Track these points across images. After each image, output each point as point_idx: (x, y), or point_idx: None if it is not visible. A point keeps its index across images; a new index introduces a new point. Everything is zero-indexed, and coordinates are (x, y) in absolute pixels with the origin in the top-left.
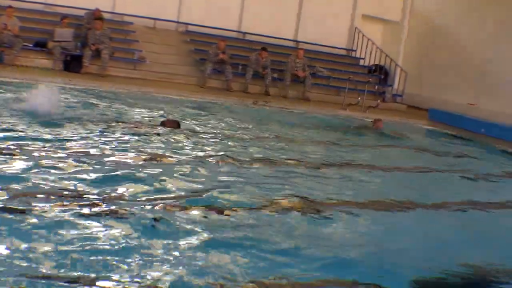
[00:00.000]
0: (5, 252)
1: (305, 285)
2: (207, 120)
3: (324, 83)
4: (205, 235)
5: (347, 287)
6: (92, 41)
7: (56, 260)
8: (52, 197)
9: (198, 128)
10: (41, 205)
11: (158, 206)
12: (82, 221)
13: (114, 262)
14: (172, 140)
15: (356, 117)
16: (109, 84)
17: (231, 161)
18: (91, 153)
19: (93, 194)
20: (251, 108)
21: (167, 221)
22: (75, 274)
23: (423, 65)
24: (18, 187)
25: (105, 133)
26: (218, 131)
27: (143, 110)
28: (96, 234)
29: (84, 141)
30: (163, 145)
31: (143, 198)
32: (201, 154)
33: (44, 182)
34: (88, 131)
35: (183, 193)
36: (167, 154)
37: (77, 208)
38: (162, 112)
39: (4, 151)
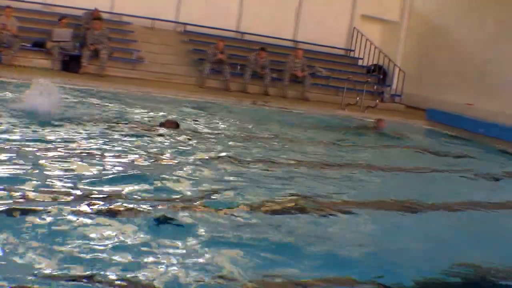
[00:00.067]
0: (9, 253)
1: (308, 284)
2: (206, 120)
3: (323, 83)
4: (208, 234)
5: (349, 286)
6: (91, 41)
7: (62, 259)
8: (58, 197)
9: (198, 129)
10: (48, 205)
11: (162, 206)
12: (86, 221)
13: (118, 261)
14: (173, 141)
15: (356, 117)
16: (108, 84)
17: (232, 161)
18: (92, 153)
19: (97, 194)
20: (250, 108)
21: (172, 220)
22: (81, 273)
23: (422, 65)
24: (24, 187)
25: (105, 134)
26: (218, 131)
27: (142, 111)
28: (101, 233)
29: (85, 142)
30: (164, 146)
31: (148, 198)
32: (202, 154)
33: (47, 183)
34: (88, 132)
35: (186, 193)
36: (168, 155)
37: (81, 208)
38: (161, 112)
39: (6, 152)
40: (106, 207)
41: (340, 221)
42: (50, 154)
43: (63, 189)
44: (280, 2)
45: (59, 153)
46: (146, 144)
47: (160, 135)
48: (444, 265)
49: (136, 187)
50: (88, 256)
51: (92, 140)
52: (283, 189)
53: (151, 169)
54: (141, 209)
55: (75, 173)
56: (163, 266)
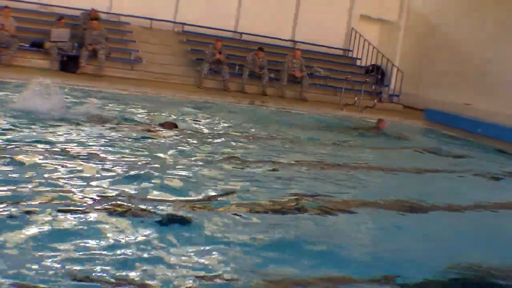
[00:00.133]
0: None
1: (311, 282)
2: (206, 121)
3: (321, 83)
4: (212, 234)
5: (351, 285)
6: (89, 41)
7: (65, 260)
8: (62, 198)
9: (197, 129)
10: (51, 206)
11: (166, 206)
12: (91, 221)
13: (123, 261)
14: (173, 141)
15: (354, 117)
16: (106, 85)
17: (234, 161)
18: (94, 154)
19: (100, 194)
20: (250, 108)
21: (176, 220)
22: (85, 273)
23: (421, 65)
24: (27, 188)
25: (104, 134)
26: (218, 132)
27: (141, 111)
28: (104, 232)
29: (85, 142)
30: (164, 146)
31: (150, 198)
32: (203, 154)
33: (48, 183)
34: (88, 132)
35: (189, 193)
36: (168, 155)
37: (85, 208)
38: (160, 113)
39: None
40: (109, 207)
41: (344, 221)
42: (51, 154)
43: (66, 190)
44: (278, 2)
45: (60, 153)
46: (146, 144)
47: (160, 135)
48: (446, 265)
49: (137, 188)
50: (93, 256)
51: (91, 141)
52: (286, 189)
53: (153, 169)
54: (143, 209)
55: (78, 173)
56: (168, 265)
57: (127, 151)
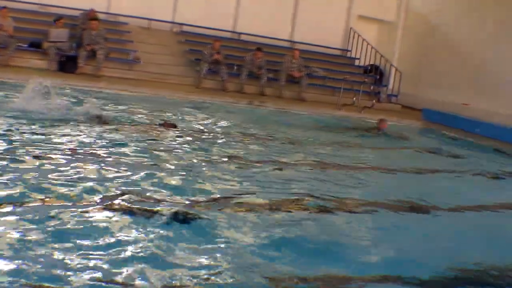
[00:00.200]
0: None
1: (315, 280)
2: (205, 121)
3: (320, 84)
4: (220, 233)
5: (354, 283)
6: (87, 42)
7: (85, 262)
8: (68, 198)
9: (197, 129)
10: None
11: (172, 205)
12: (97, 221)
13: (138, 263)
14: (174, 141)
15: (353, 117)
16: (105, 85)
17: (235, 161)
18: (94, 154)
19: (103, 193)
20: (248, 109)
21: (183, 220)
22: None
23: (419, 65)
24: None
25: (103, 135)
26: (218, 131)
27: (140, 111)
28: (113, 232)
29: (85, 142)
30: (165, 146)
31: (159, 198)
32: (204, 154)
33: (52, 184)
34: (88, 132)
35: (192, 193)
36: (169, 155)
37: (90, 208)
38: (159, 112)
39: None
40: (110, 207)
41: (348, 220)
42: (53, 154)
43: (67, 190)
44: (277, 2)
45: (60, 154)
46: (146, 144)
47: (160, 135)
48: (447, 264)
49: (138, 187)
50: (103, 257)
51: (91, 141)
52: (289, 188)
53: (154, 169)
54: (147, 209)
55: (78, 173)
56: (174, 264)
57: (127, 151)
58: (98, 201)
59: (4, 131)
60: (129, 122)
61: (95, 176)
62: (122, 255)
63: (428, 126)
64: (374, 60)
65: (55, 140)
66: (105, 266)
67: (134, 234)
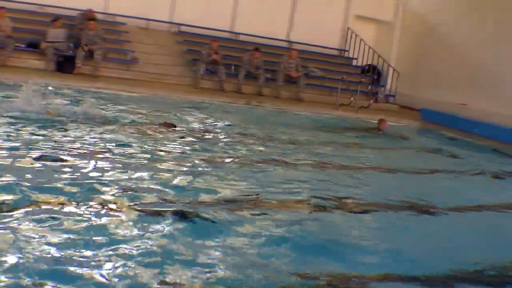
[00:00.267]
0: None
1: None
2: (204, 121)
3: (317, 84)
4: (224, 233)
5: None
6: (85, 42)
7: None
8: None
9: (197, 129)
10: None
11: (175, 206)
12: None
13: (142, 262)
14: (175, 141)
15: (357, 117)
16: (103, 85)
17: (238, 161)
18: (99, 154)
19: (104, 194)
20: (246, 109)
21: (189, 220)
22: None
23: (418, 65)
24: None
25: (103, 135)
26: (218, 131)
27: (138, 111)
28: (118, 233)
29: (86, 143)
30: (167, 146)
31: (166, 198)
32: (204, 154)
33: (59, 185)
34: (88, 133)
35: (195, 194)
36: (171, 155)
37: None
38: (158, 112)
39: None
40: (111, 206)
41: (349, 220)
42: (56, 155)
43: (68, 190)
44: (274, 2)
45: (72, 155)
46: (147, 144)
47: (160, 135)
48: (448, 263)
49: (140, 187)
50: (108, 257)
51: (92, 141)
52: (292, 188)
53: (156, 169)
54: (151, 210)
55: (80, 174)
56: (180, 264)
57: (128, 151)
58: (101, 201)
59: (4, 131)
60: (128, 122)
61: (98, 176)
62: (126, 254)
63: (426, 126)
64: (372, 60)
65: (54, 141)
66: (110, 266)
67: (138, 233)
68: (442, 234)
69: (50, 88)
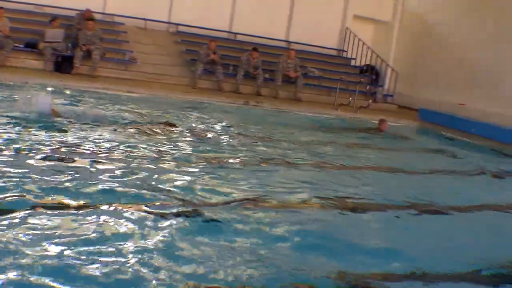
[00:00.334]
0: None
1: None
2: (204, 121)
3: (316, 84)
4: (229, 233)
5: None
6: (83, 42)
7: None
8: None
9: (197, 129)
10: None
11: (179, 206)
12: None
13: (149, 262)
14: (177, 141)
15: (356, 117)
16: (102, 85)
17: (242, 162)
18: (95, 153)
19: (104, 194)
20: (245, 109)
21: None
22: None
23: (416, 65)
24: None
25: (103, 135)
26: (219, 131)
27: (140, 111)
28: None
29: (87, 143)
30: (169, 146)
31: (171, 198)
32: (205, 154)
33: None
34: (89, 133)
35: (199, 194)
36: (173, 155)
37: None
38: (158, 112)
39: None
40: (124, 208)
41: (355, 220)
42: (59, 155)
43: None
44: (273, 2)
45: (70, 154)
46: (149, 143)
47: (161, 135)
48: (451, 262)
49: (144, 187)
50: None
51: (93, 141)
52: (296, 188)
53: (161, 169)
54: (155, 210)
55: (90, 175)
56: (195, 264)
57: (129, 150)
58: (109, 202)
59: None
60: (128, 122)
61: (99, 177)
62: (134, 254)
63: (425, 126)
64: (370, 60)
65: (55, 141)
66: (115, 266)
67: (139, 233)
68: (443, 234)
69: (51, 88)
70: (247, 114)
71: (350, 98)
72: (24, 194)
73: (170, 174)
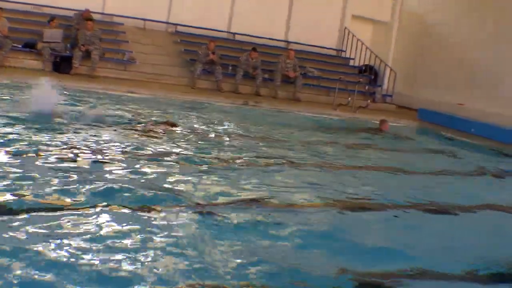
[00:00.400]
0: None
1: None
2: (204, 120)
3: (315, 84)
4: (232, 233)
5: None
6: (82, 42)
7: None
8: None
9: (197, 128)
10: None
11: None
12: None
13: (156, 262)
14: (178, 141)
15: (355, 117)
16: (101, 85)
17: (242, 162)
18: (102, 155)
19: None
20: (245, 109)
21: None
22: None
23: (415, 65)
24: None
25: (105, 134)
26: (219, 131)
27: (140, 111)
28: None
29: (88, 143)
30: (171, 146)
31: (175, 198)
32: (206, 153)
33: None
34: (91, 133)
35: (208, 193)
36: (174, 154)
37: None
38: (159, 112)
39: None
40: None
41: (357, 219)
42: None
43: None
44: (272, 2)
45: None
46: (151, 143)
47: (162, 134)
48: (451, 262)
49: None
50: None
51: (94, 141)
52: (301, 188)
53: (159, 170)
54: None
55: (94, 175)
56: (196, 264)
57: (128, 150)
58: (110, 202)
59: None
60: (128, 122)
61: (101, 177)
62: (135, 254)
63: (424, 126)
64: (369, 61)
65: (57, 141)
66: (121, 265)
67: (146, 233)
68: (443, 233)
69: (51, 88)
70: (247, 114)
71: (349, 98)
72: (24, 194)
73: (171, 174)
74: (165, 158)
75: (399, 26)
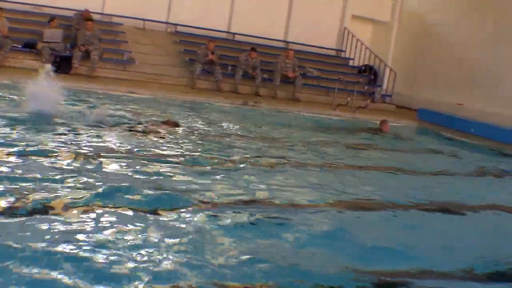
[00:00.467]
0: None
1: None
2: (205, 120)
3: (314, 84)
4: (236, 233)
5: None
6: (82, 42)
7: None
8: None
9: (198, 128)
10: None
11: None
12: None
13: (164, 262)
14: (180, 141)
15: (354, 117)
16: (101, 86)
17: (244, 162)
18: (97, 153)
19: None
20: (244, 109)
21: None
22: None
23: (415, 65)
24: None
25: (103, 135)
26: (219, 131)
27: (140, 111)
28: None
29: (90, 143)
30: (172, 146)
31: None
32: (206, 154)
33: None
34: (93, 133)
35: (207, 195)
36: (176, 154)
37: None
38: (159, 112)
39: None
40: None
41: (358, 219)
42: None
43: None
44: (271, 2)
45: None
46: (153, 143)
47: (164, 134)
48: (451, 262)
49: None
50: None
51: (95, 141)
52: (303, 188)
53: (160, 169)
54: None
55: (98, 176)
56: (203, 265)
57: (131, 150)
58: (110, 202)
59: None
60: (128, 122)
61: (102, 177)
62: (135, 254)
63: (424, 126)
64: (369, 61)
65: (58, 142)
66: (121, 265)
67: (147, 233)
68: (443, 233)
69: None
70: (246, 114)
71: (349, 98)
72: (24, 194)
73: (173, 174)
74: (166, 158)
75: (399, 26)
